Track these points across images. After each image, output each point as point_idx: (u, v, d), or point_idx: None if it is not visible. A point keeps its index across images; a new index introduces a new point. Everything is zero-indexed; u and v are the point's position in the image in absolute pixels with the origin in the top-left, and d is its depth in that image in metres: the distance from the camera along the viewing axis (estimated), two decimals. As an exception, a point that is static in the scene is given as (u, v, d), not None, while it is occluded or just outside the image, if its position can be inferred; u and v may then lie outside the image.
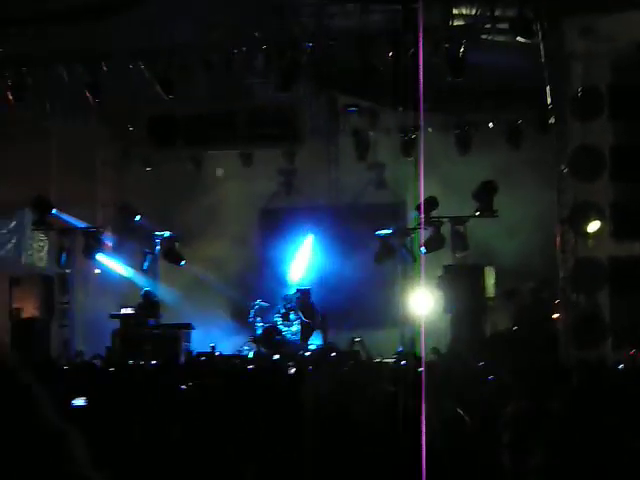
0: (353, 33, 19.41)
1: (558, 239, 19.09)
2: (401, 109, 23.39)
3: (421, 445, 4.79)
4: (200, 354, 21.05)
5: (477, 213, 22.93)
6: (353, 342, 21.30)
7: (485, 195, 22.64)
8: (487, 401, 8.32)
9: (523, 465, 4.73)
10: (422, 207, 21.52)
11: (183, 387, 9.79)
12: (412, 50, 17.69)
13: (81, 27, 19.19)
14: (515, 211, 22.69)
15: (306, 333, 24.01)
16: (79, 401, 8.39)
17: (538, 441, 5.17)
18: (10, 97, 20.41)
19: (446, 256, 23.31)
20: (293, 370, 12.15)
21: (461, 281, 22.10)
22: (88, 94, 20.26)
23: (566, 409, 5.82)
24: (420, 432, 4.82)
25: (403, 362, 15.41)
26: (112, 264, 25.97)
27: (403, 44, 18.25)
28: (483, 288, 22.24)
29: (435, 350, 18.25)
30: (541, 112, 21.36)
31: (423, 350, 18.75)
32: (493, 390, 9.63)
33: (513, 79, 21.07)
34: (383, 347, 21.35)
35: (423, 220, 22.37)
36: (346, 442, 6.10)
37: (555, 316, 20.71)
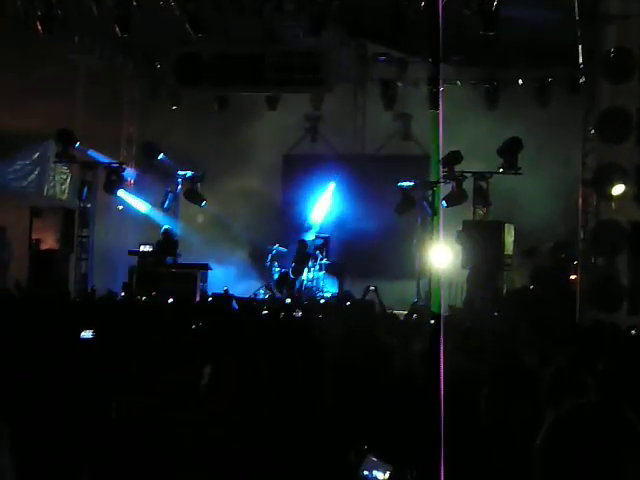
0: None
1: (580, 200, 18.98)
2: (431, 60, 23.18)
3: (438, 399, 4.77)
4: (215, 295, 21.12)
5: (501, 170, 22.78)
6: (367, 290, 21.26)
7: (510, 152, 22.46)
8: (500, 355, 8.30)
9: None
10: (443, 161, 21.40)
11: (194, 326, 9.82)
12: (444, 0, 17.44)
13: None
14: (539, 170, 22.54)
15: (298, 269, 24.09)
16: (87, 334, 8.43)
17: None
18: (39, 28, 20.30)
19: (467, 211, 23.22)
20: (300, 314, 12.15)
21: (480, 237, 22.00)
22: (117, 28, 20.10)
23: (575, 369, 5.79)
24: (437, 386, 4.79)
25: (414, 315, 15.41)
26: (133, 201, 26.02)
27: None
28: (502, 245, 22.14)
29: (451, 307, 18.25)
30: (572, 71, 21.15)
31: (442, 303, 18.77)
32: (508, 345, 9.59)
33: (545, 36, 20.81)
34: (398, 298, 21.33)
35: (445, 174, 22.24)
36: (348, 389, 6.09)
37: (573, 277, 20.65)
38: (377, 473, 4.73)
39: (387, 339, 7.39)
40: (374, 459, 4.77)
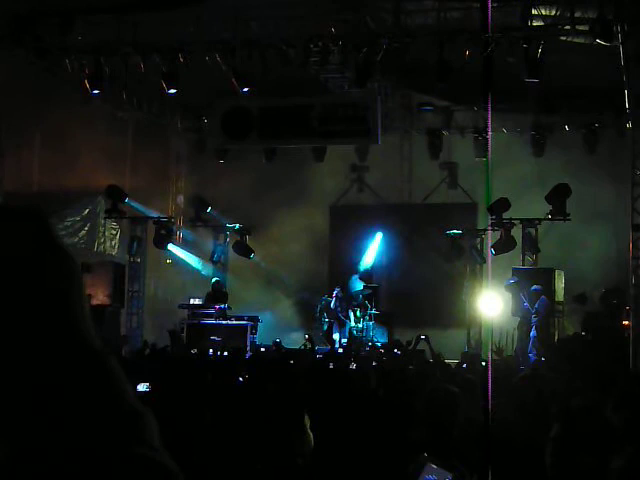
0: (430, 31, 19.26)
1: (631, 245, 18.82)
2: (476, 109, 23.27)
3: (486, 448, 4.76)
4: (265, 347, 21.16)
5: (549, 216, 22.68)
6: (418, 340, 21.19)
7: (558, 198, 22.37)
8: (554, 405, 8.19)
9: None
10: (491, 208, 21.38)
11: (240, 379, 9.82)
12: (489, 49, 17.49)
13: (159, 17, 19.32)
14: (588, 215, 22.41)
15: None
16: (142, 387, 8.50)
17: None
18: (87, 86, 20.60)
19: (516, 258, 23.10)
20: (354, 365, 12.13)
21: (530, 284, 21.86)
22: (164, 84, 20.35)
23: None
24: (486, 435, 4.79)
25: (464, 365, 15.29)
26: (182, 254, 26.18)
27: (480, 43, 18.06)
28: (553, 292, 21.99)
29: (499, 349, 18.10)
30: (618, 116, 21.11)
31: (490, 353, 18.63)
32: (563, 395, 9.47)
33: (590, 82, 20.79)
34: (448, 347, 21.22)
35: (493, 221, 22.18)
36: (402, 439, 6.06)
37: (625, 323, 20.43)
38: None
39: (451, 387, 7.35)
40: (433, 465, 4.75)
